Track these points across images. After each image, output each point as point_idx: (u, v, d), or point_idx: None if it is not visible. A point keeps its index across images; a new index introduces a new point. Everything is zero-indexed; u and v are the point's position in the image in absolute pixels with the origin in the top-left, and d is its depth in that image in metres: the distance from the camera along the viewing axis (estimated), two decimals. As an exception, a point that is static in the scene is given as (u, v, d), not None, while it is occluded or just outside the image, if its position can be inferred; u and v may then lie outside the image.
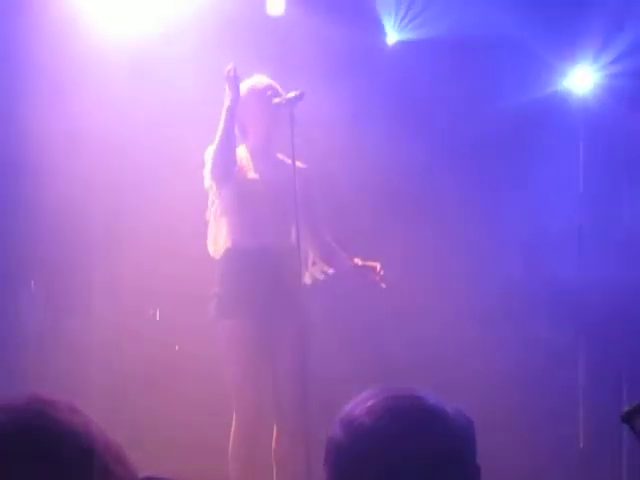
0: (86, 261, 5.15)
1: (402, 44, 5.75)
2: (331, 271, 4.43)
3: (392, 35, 5.78)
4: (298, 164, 4.23)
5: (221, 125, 4.23)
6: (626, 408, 1.75)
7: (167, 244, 4.98)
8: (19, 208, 5.05)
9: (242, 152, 4.39)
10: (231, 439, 4.22)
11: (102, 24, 5.13)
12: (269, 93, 4.29)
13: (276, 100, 4.27)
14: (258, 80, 4.37)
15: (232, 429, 4.22)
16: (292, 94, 4.19)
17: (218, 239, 4.35)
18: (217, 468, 4.26)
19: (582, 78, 5.99)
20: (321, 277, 4.43)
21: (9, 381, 4.83)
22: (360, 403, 1.64)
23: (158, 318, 5.23)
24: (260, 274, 4.25)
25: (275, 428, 4.29)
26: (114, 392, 5.08)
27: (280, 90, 4.30)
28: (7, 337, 5.01)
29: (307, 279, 4.35)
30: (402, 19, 5.71)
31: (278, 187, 4.31)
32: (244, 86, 4.34)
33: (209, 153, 4.31)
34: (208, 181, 4.32)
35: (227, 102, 4.22)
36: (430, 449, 1.62)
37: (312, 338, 4.25)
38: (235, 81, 4.19)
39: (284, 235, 4.30)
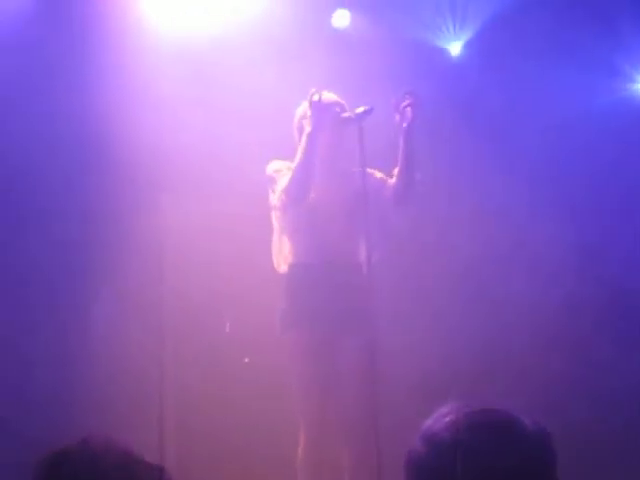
0: (156, 272, 5.20)
1: (466, 54, 5.74)
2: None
3: (455, 46, 5.77)
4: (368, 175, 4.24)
5: (302, 150, 4.23)
6: None
7: (234, 255, 5.01)
8: (89, 216, 5.13)
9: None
10: (299, 451, 4.23)
11: (167, 29, 5.20)
12: (337, 109, 4.30)
13: (345, 115, 4.28)
14: (325, 96, 4.36)
15: (299, 441, 4.24)
16: (361, 109, 4.20)
17: (283, 254, 4.37)
18: (288, 477, 4.27)
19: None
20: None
21: (79, 389, 4.91)
22: (439, 418, 1.66)
23: (228, 330, 5.27)
24: (325, 289, 4.26)
25: (343, 442, 4.29)
26: (183, 403, 5.13)
27: (347, 106, 4.31)
28: (79, 347, 5.07)
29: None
30: (462, 30, 5.71)
31: (345, 203, 4.32)
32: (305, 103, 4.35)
33: (275, 169, 4.34)
34: (277, 200, 4.33)
35: (309, 128, 4.24)
36: (509, 463, 1.63)
37: (381, 354, 4.22)
38: (319, 107, 4.21)
39: (351, 251, 4.30)
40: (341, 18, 5.46)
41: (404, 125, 4.26)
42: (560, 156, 5.63)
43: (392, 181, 4.39)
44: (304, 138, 4.24)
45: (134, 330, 5.05)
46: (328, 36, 5.33)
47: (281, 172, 4.34)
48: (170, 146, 4.97)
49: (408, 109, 4.25)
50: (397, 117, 4.27)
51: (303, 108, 4.35)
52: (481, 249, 5.42)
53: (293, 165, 4.27)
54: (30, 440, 4.49)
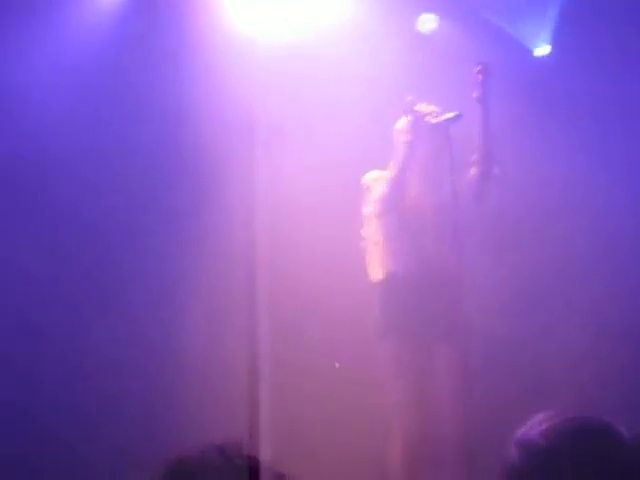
0: (248, 278, 5.25)
1: (552, 53, 5.68)
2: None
3: (544, 47, 5.72)
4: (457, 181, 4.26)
5: (398, 159, 4.29)
6: None
7: (327, 260, 5.05)
8: (176, 215, 5.21)
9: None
10: (394, 459, 4.24)
11: (251, 33, 5.26)
12: (428, 117, 4.33)
13: (434, 121, 4.30)
14: (419, 104, 4.39)
15: (394, 449, 4.25)
16: (450, 115, 4.23)
17: (377, 262, 4.41)
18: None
19: None
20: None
21: (171, 397, 4.99)
22: (535, 426, 1.67)
23: (320, 337, 5.30)
24: (418, 297, 4.28)
25: (439, 447, 4.29)
26: (276, 405, 5.14)
27: (438, 112, 4.33)
28: (169, 356, 5.15)
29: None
30: (548, 28, 5.66)
31: (437, 211, 4.34)
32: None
33: (372, 178, 4.39)
34: (371, 207, 4.38)
35: (407, 137, 4.30)
36: (605, 471, 1.63)
37: (474, 361, 4.22)
38: (414, 115, 4.25)
39: (443, 258, 4.32)
40: (427, 22, 5.45)
41: (475, 95, 4.26)
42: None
43: (472, 170, 4.39)
44: (400, 147, 4.28)
45: (226, 331, 5.10)
46: (414, 41, 5.32)
47: (376, 181, 4.39)
48: (262, 158, 5.03)
49: (479, 77, 4.25)
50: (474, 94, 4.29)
51: (402, 122, 4.39)
52: (564, 246, 5.35)
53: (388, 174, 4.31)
54: (126, 448, 4.61)
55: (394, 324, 4.30)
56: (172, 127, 5.14)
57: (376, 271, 4.41)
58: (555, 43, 5.67)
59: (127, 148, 5.20)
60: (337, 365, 5.19)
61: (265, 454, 1.90)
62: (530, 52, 5.70)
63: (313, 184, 5.08)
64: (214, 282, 5.21)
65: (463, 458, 4.07)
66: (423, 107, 4.37)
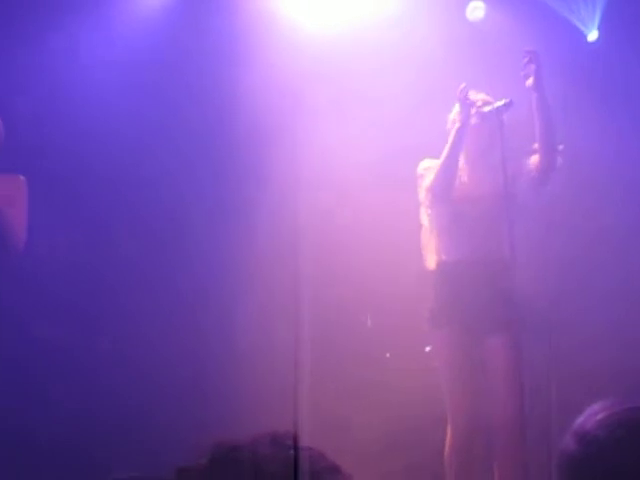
0: (298, 272, 5.27)
1: (604, 39, 5.61)
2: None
3: (593, 29, 5.65)
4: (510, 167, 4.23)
5: (449, 146, 4.28)
6: None
7: (378, 249, 5.04)
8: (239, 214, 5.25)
9: None
10: (446, 448, 4.24)
11: (307, 29, 5.27)
12: (479, 104, 4.31)
13: (486, 109, 4.28)
14: (471, 92, 4.37)
15: (447, 438, 4.24)
16: (501, 102, 4.22)
17: (431, 251, 4.40)
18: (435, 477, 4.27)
19: None
20: None
21: (224, 391, 5.02)
22: (591, 416, 1.65)
23: (370, 324, 5.30)
24: (472, 286, 4.26)
25: (492, 440, 4.27)
26: (323, 401, 5.15)
27: (489, 100, 4.31)
28: (222, 349, 5.18)
29: None
30: (599, 11, 5.59)
31: (490, 199, 4.31)
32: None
33: (425, 167, 4.38)
34: (424, 197, 4.37)
35: (458, 124, 4.28)
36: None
37: (525, 350, 4.19)
38: (466, 102, 4.23)
39: (496, 246, 4.29)
40: (476, 10, 5.41)
41: (528, 83, 4.22)
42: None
43: (533, 158, 4.36)
44: (452, 133, 4.28)
45: (273, 323, 5.11)
46: (463, 30, 5.28)
47: (429, 170, 4.38)
48: (308, 145, 5.03)
49: (531, 66, 4.20)
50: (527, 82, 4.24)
51: (455, 112, 4.39)
52: (616, 231, 5.28)
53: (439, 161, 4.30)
54: (178, 434, 4.65)
55: (447, 313, 4.29)
56: (223, 116, 5.17)
57: (430, 260, 4.40)
58: (607, 27, 5.61)
59: (178, 140, 5.25)
60: (388, 355, 5.19)
61: (312, 444, 1.90)
62: (584, 36, 5.64)
63: (364, 175, 5.08)
64: (263, 272, 5.22)
65: (519, 448, 4.04)
66: (475, 95, 4.35)
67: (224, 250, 5.21)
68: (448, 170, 4.27)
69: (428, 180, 4.34)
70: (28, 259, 4.52)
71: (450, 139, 4.28)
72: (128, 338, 5.14)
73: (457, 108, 4.35)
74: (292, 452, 1.66)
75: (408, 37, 5.13)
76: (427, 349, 4.38)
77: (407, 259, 4.67)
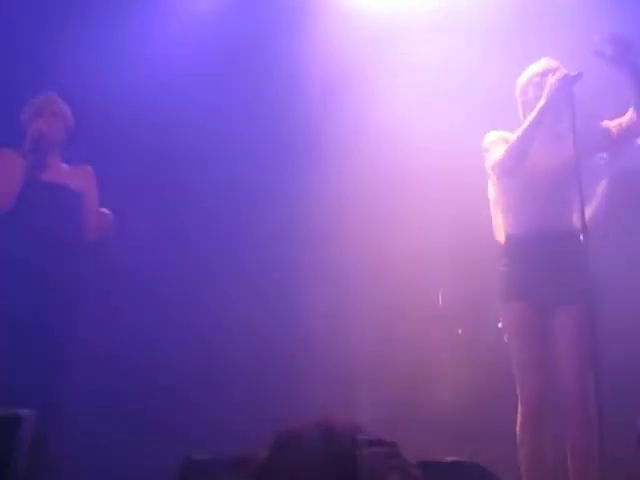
0: (358, 260, 5.27)
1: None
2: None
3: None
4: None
5: (530, 119, 4.22)
6: None
7: (447, 223, 5.02)
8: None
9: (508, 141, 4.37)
10: (517, 425, 4.21)
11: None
12: (550, 75, 4.24)
13: (557, 78, 4.20)
14: (542, 63, 4.36)
15: (518, 414, 4.21)
16: (572, 73, 4.15)
17: (499, 224, 4.37)
18: (507, 454, 4.25)
19: None
20: None
21: (268, 383, 5.07)
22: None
23: (441, 301, 5.29)
24: (541, 258, 4.22)
25: (563, 417, 4.23)
26: (387, 381, 5.16)
27: (560, 70, 4.24)
28: (290, 340, 5.22)
29: None
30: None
31: (559, 171, 4.26)
32: (529, 70, 4.37)
33: (490, 140, 4.33)
34: (491, 171, 4.33)
35: (545, 101, 4.20)
36: None
37: (599, 321, 4.12)
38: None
39: (565, 219, 4.24)
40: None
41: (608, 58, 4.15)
42: None
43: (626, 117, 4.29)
44: (538, 107, 4.21)
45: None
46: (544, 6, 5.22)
47: (495, 143, 4.34)
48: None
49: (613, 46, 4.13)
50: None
51: (525, 78, 4.35)
52: None
53: (514, 135, 4.25)
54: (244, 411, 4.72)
55: (519, 287, 4.24)
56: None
57: (500, 233, 4.37)
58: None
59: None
60: (460, 331, 5.18)
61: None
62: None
63: (429, 145, 5.05)
64: (329, 266, 5.24)
65: (591, 421, 3.99)
66: (546, 64, 4.32)
67: (292, 248, 5.22)
68: (524, 144, 4.21)
69: (495, 153, 4.29)
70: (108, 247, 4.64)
71: (533, 115, 4.21)
72: (203, 322, 5.22)
73: (529, 75, 4.32)
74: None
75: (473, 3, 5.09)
76: (499, 325, 4.35)
77: (477, 233, 4.63)
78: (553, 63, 4.32)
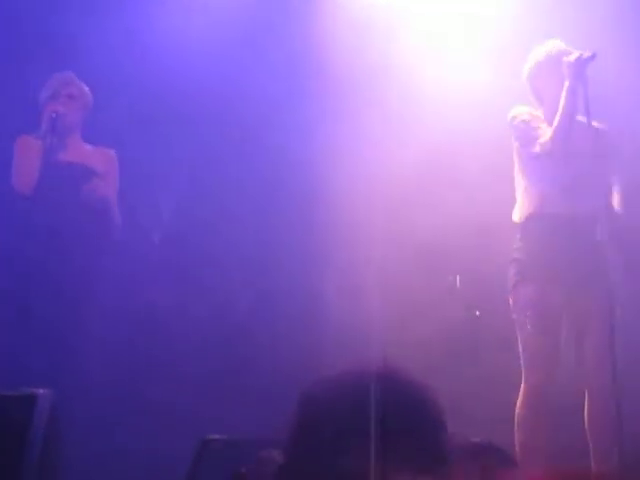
0: (387, 233, 5.27)
1: None
2: None
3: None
4: (594, 124, 4.14)
5: (565, 105, 4.20)
6: None
7: (460, 204, 5.01)
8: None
9: (539, 119, 4.34)
10: (518, 403, 4.17)
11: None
12: (564, 58, 4.23)
13: (569, 59, 4.20)
14: (553, 45, 4.35)
15: (520, 393, 4.17)
16: (585, 54, 4.14)
17: (522, 204, 4.33)
18: (504, 435, 4.20)
19: None
20: None
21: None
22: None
23: (458, 285, 5.27)
24: (561, 241, 4.18)
25: (586, 396, 4.20)
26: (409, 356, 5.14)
27: (573, 51, 4.22)
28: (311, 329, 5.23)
29: None
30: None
31: (577, 152, 4.22)
32: (540, 51, 4.36)
33: (522, 119, 4.33)
34: (529, 150, 4.30)
35: (571, 82, 4.18)
36: None
37: (619, 307, 4.09)
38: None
39: (586, 201, 4.20)
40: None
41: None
42: None
43: None
44: (565, 93, 4.19)
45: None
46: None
47: (529, 123, 4.32)
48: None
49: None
50: None
51: (538, 60, 4.36)
52: None
53: (555, 118, 4.21)
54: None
55: (536, 270, 4.20)
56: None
57: (520, 212, 4.34)
58: None
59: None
60: (477, 313, 5.16)
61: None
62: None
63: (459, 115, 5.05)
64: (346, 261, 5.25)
65: (610, 411, 3.95)
66: (557, 46, 4.32)
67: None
68: (567, 127, 4.18)
69: (528, 134, 4.28)
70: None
71: (566, 97, 4.18)
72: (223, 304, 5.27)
73: (537, 53, 4.34)
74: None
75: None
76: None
77: (495, 213, 4.60)
78: (562, 45, 4.32)
